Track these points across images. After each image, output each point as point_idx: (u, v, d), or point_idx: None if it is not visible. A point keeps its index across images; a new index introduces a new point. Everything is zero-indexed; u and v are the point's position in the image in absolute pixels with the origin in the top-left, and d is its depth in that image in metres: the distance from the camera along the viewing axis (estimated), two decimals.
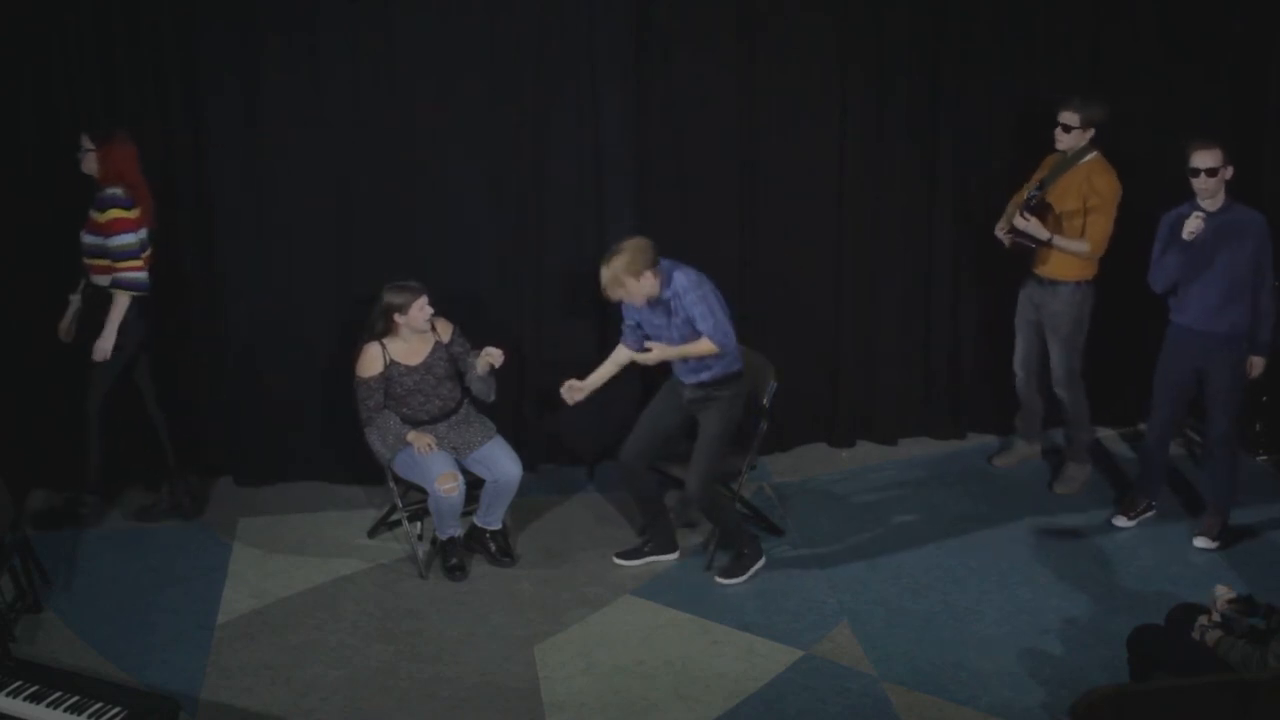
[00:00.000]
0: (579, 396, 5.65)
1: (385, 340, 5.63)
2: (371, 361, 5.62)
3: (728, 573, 5.68)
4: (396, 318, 5.55)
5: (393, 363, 5.62)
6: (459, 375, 5.78)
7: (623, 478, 5.82)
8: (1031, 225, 6.01)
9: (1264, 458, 6.74)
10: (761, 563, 5.71)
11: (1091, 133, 6.01)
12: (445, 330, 5.74)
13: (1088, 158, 6.03)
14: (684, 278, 5.37)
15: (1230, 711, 3.75)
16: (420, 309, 5.57)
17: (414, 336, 5.64)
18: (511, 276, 6.40)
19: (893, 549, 5.92)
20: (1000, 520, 6.19)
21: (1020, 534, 6.06)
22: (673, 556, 5.83)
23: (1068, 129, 6.00)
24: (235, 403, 6.36)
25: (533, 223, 6.39)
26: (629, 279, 5.28)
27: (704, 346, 5.40)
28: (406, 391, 5.64)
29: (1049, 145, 6.18)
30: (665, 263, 5.40)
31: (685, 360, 5.51)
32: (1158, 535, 6.03)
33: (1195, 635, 4.29)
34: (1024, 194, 6.18)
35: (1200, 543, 5.90)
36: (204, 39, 5.90)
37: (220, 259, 6.18)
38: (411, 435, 5.60)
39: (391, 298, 5.55)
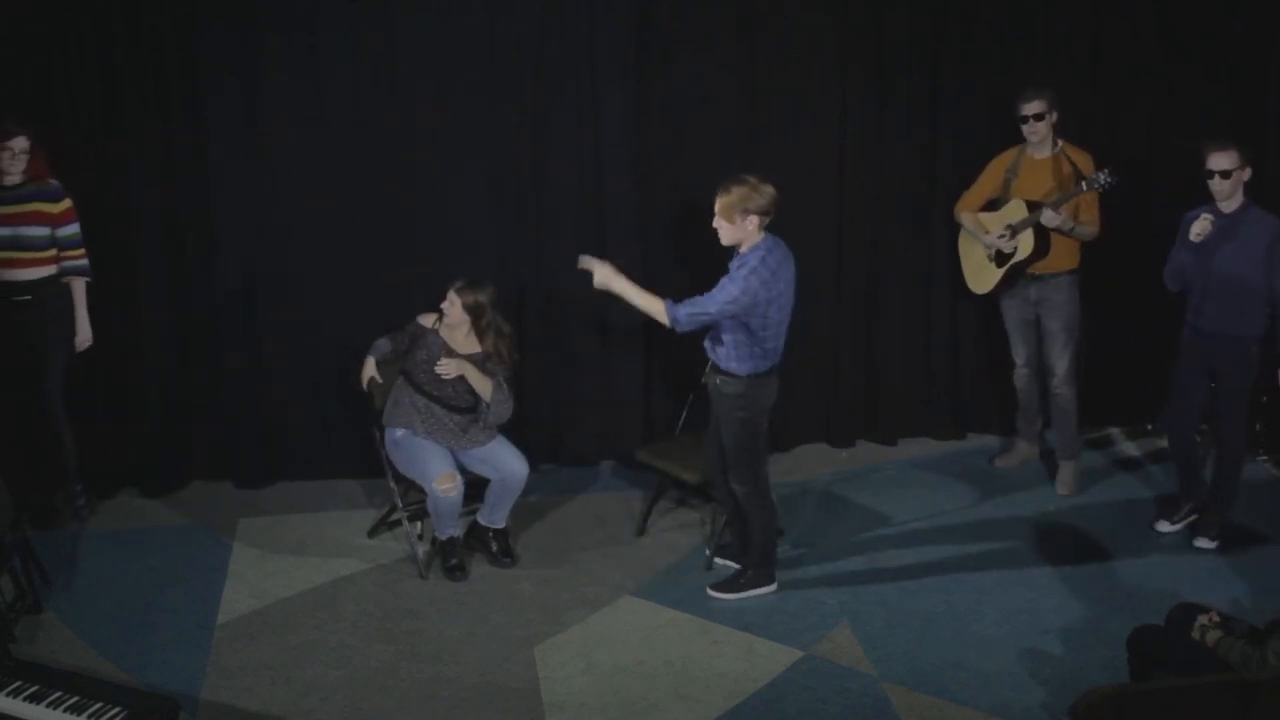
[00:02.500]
0: None
1: (440, 320, 5.67)
2: (426, 317, 5.71)
3: (724, 587, 5.54)
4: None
5: (435, 332, 5.65)
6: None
7: (715, 496, 5.71)
8: (1061, 219, 6.00)
9: (1264, 458, 6.75)
10: (767, 590, 5.51)
11: (1055, 117, 6.03)
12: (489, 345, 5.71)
13: (1058, 147, 6.06)
14: (756, 258, 5.01)
15: (1230, 711, 3.75)
16: (448, 300, 5.58)
17: (459, 333, 5.65)
18: (512, 276, 6.40)
19: (893, 549, 5.92)
20: (1000, 520, 6.19)
21: (1020, 534, 6.06)
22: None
23: (1040, 117, 6.03)
24: (235, 402, 6.36)
25: (532, 223, 6.40)
26: (734, 212, 4.99)
27: (657, 305, 5.12)
28: (425, 360, 5.64)
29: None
30: (774, 243, 5.09)
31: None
32: (1158, 535, 6.03)
33: (1195, 635, 4.28)
34: (999, 212, 6.18)
35: (1201, 543, 5.89)
36: (204, 39, 5.90)
37: (220, 258, 6.18)
38: (370, 364, 5.73)
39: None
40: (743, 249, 5.13)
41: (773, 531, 5.58)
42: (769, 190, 5.05)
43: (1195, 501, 6.04)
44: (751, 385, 5.22)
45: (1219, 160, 5.46)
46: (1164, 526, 6.06)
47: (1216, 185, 5.49)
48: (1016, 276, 6.27)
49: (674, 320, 5.12)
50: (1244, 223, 5.52)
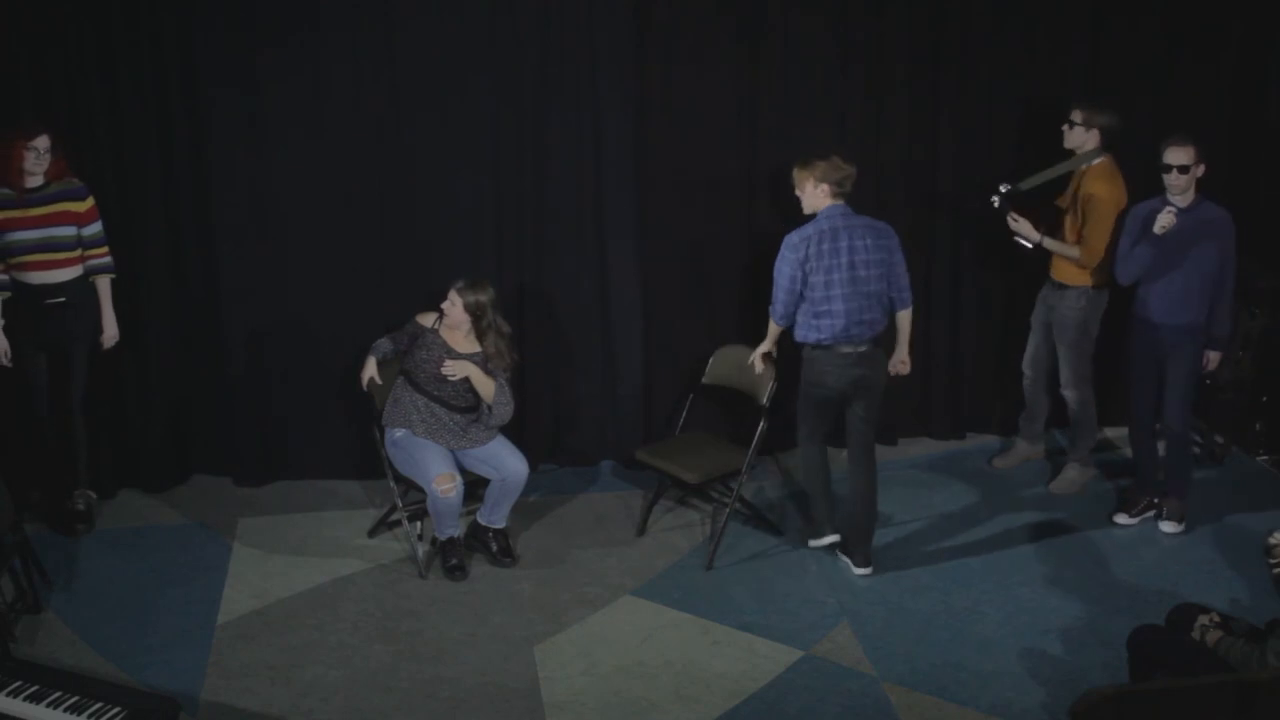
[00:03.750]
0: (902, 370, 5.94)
1: (440, 320, 5.66)
2: (425, 316, 5.72)
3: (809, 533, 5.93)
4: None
5: (435, 332, 5.65)
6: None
7: None
8: (1022, 226, 6.05)
9: (1264, 458, 6.75)
10: (827, 540, 5.81)
11: (1096, 134, 6.02)
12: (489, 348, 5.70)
13: (1095, 161, 6.04)
14: (798, 233, 5.47)
15: (1230, 711, 3.75)
16: (449, 300, 5.57)
17: (459, 333, 5.64)
18: (512, 276, 6.40)
19: (893, 549, 5.92)
20: (1000, 520, 6.19)
21: (1020, 534, 6.06)
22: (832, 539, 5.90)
23: (1071, 125, 6.05)
24: (235, 402, 6.36)
25: (532, 223, 6.39)
26: (808, 181, 5.50)
27: (772, 328, 5.71)
28: (426, 359, 5.63)
29: (1050, 145, 6.19)
30: (830, 216, 5.47)
31: None
32: (1158, 535, 6.04)
33: (1195, 635, 4.29)
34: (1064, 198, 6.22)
35: (1168, 527, 6.00)
36: (204, 39, 5.90)
37: (220, 259, 6.18)
38: (371, 363, 5.72)
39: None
40: (815, 214, 5.57)
41: (822, 479, 5.80)
42: (848, 170, 5.53)
43: (1152, 495, 6.13)
44: (807, 354, 5.58)
45: (1177, 155, 5.60)
46: (1122, 519, 6.13)
47: (1174, 180, 5.63)
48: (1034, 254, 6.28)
49: (776, 320, 5.65)
50: (1201, 216, 5.66)
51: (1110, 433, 7.02)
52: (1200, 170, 5.63)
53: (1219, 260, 5.71)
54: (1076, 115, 6.04)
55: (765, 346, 5.81)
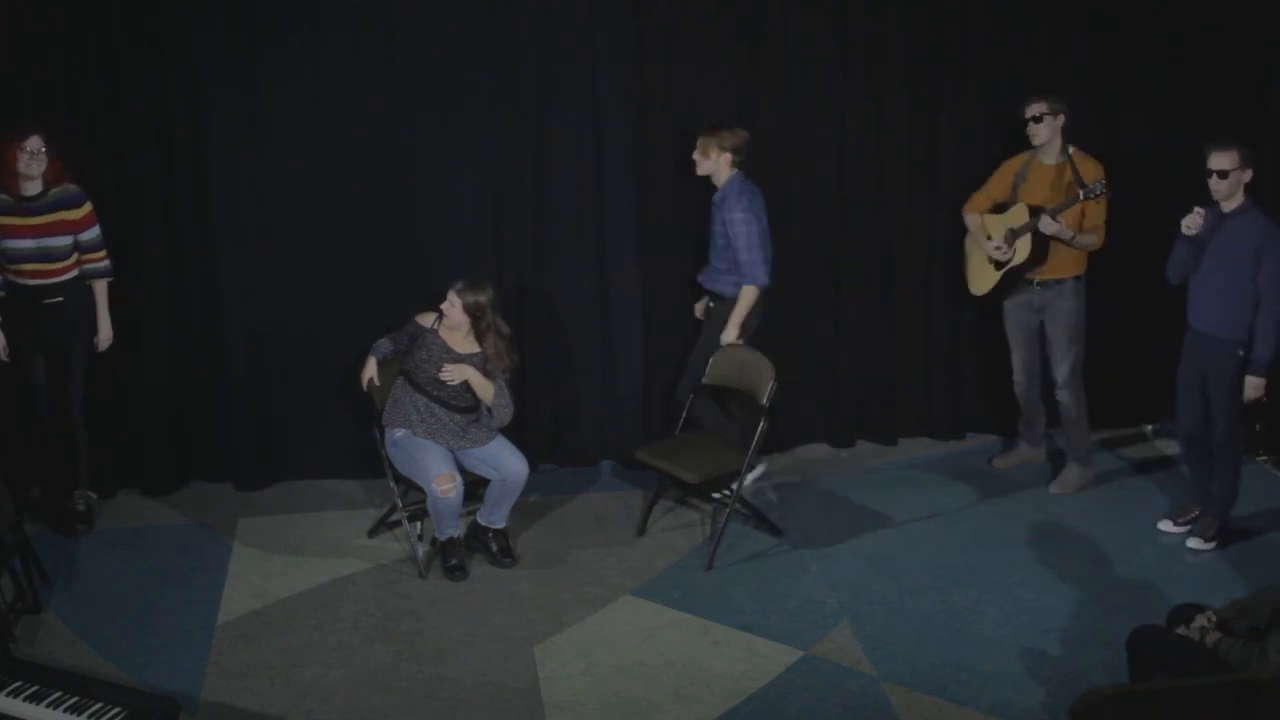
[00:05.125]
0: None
1: (440, 320, 5.65)
2: (425, 316, 5.72)
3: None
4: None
5: (434, 332, 5.64)
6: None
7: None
8: (1058, 227, 6.00)
9: (1264, 458, 6.75)
10: (760, 470, 6.47)
11: (1061, 121, 6.02)
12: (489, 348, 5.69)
13: (1068, 154, 6.04)
14: (737, 195, 5.94)
15: (1230, 711, 3.75)
16: (449, 301, 5.57)
17: (458, 334, 5.64)
18: (512, 277, 6.40)
19: (893, 549, 5.92)
20: (1000, 520, 6.19)
21: (1020, 534, 6.06)
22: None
23: (1039, 119, 6.04)
24: (235, 402, 6.35)
25: (532, 223, 6.39)
26: (712, 149, 5.95)
27: (750, 293, 6.02)
28: (425, 360, 5.63)
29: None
30: (742, 183, 5.98)
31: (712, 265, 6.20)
32: (1158, 535, 6.04)
33: (1195, 636, 4.29)
34: (1004, 215, 6.19)
35: (1194, 543, 5.90)
36: (204, 39, 5.90)
37: (220, 259, 6.17)
38: (371, 364, 5.74)
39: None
40: (719, 182, 6.02)
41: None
42: (743, 137, 5.98)
43: (1203, 506, 6.02)
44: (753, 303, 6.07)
45: (1218, 160, 5.46)
46: (1166, 526, 6.07)
47: (1215, 185, 5.50)
48: (1015, 281, 6.26)
49: (759, 284, 6.00)
50: (1237, 223, 5.52)
51: (1110, 433, 7.03)
52: (1246, 175, 5.46)
53: (1255, 273, 5.45)
54: (1041, 108, 6.01)
55: (739, 318, 6.04)
